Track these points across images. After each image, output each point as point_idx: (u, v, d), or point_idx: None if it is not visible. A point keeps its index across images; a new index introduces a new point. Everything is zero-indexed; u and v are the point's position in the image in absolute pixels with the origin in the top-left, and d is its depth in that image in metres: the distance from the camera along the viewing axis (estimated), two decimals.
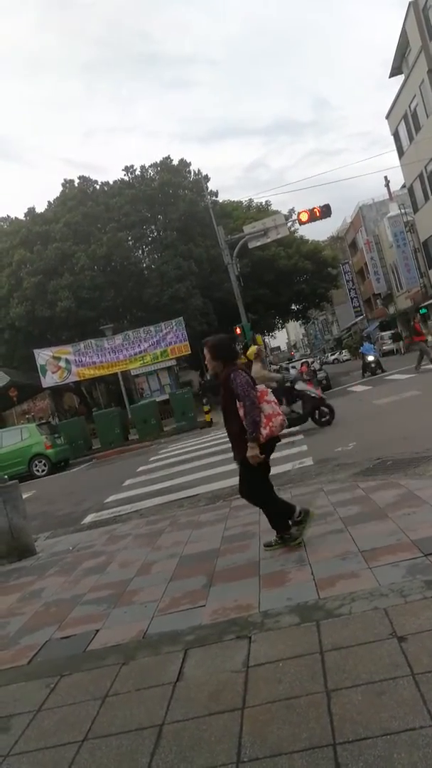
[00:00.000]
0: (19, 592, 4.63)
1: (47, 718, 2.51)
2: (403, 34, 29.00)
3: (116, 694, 2.57)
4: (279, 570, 3.59)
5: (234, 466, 8.57)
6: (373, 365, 22.93)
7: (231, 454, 9.96)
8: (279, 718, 2.10)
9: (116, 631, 3.28)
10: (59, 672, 2.92)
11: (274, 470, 7.54)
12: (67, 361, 22.40)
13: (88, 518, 7.82)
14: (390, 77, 32.76)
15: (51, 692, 2.73)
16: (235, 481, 7.47)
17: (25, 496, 6.74)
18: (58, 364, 22.43)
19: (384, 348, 38.09)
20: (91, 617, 3.61)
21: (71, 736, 2.32)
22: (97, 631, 3.35)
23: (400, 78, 31.75)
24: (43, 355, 22.43)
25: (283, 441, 9.83)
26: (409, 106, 30.60)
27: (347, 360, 54.52)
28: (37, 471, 16.89)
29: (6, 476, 6.90)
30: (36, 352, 22.50)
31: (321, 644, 2.55)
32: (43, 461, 17.02)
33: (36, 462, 17.04)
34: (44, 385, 23.31)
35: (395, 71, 32.17)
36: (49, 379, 22.56)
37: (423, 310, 35.05)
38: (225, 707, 2.26)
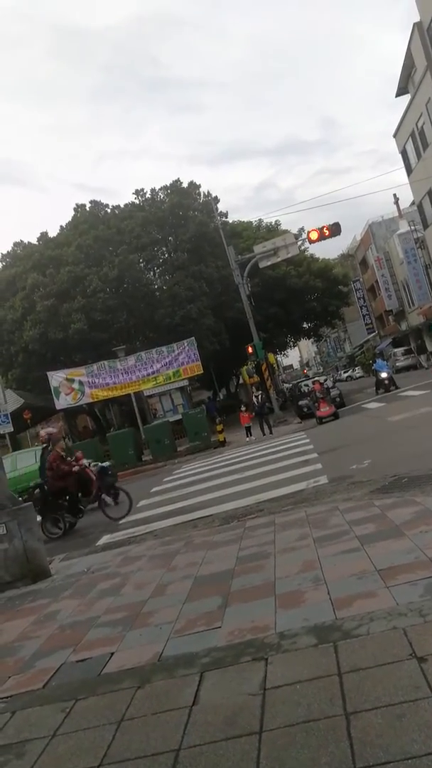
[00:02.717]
0: (33, 615, 4.60)
1: (62, 744, 2.48)
2: (409, 55, 29.39)
3: (132, 718, 2.54)
4: (295, 590, 3.54)
5: (247, 486, 8.57)
6: (386, 382, 22.81)
7: (244, 474, 9.88)
8: (297, 742, 2.06)
9: (131, 654, 3.25)
10: (74, 696, 2.89)
11: (289, 489, 7.57)
12: (81, 383, 22.55)
13: (103, 539, 7.80)
14: (396, 96, 33.16)
15: (66, 717, 2.70)
16: (249, 500, 7.46)
17: (39, 518, 6.75)
18: (72, 386, 22.59)
19: (398, 364, 37.89)
20: (107, 640, 3.58)
21: (87, 762, 2.28)
22: (113, 653, 3.32)
23: (407, 97, 32.09)
24: (56, 378, 22.61)
25: (298, 460, 9.83)
26: (416, 125, 30.87)
27: (360, 377, 54.31)
28: None
29: (20, 498, 6.93)
30: (49, 374, 22.70)
31: (339, 666, 2.50)
32: None
33: None
34: (58, 407, 23.46)
35: (401, 90, 32.54)
36: (62, 401, 22.71)
37: None
38: (242, 731, 2.22)
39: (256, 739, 2.14)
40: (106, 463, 9.69)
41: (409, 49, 29.09)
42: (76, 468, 9.43)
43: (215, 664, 2.84)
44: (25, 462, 17.46)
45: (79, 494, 9.25)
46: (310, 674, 2.49)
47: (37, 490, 9.66)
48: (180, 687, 2.70)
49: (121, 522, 8.77)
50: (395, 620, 2.76)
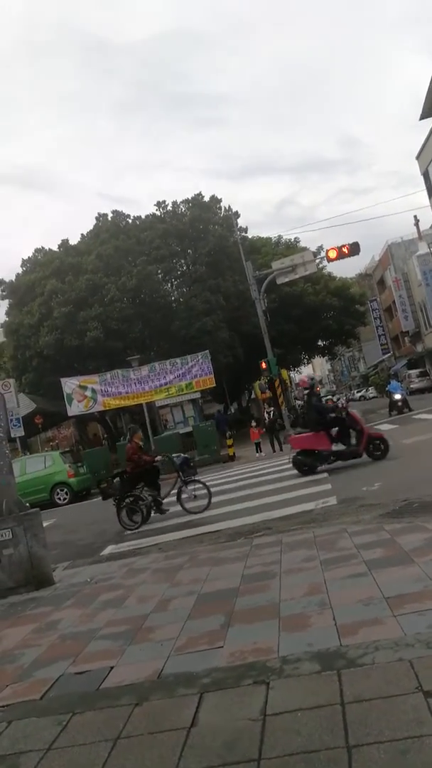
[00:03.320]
0: (35, 623, 4.58)
1: (57, 758, 2.44)
2: None
3: (128, 736, 2.50)
4: (300, 613, 3.49)
5: (255, 503, 8.49)
6: (400, 404, 22.63)
7: (253, 491, 9.78)
8: None
9: (131, 669, 3.21)
10: (72, 709, 2.86)
11: (298, 509, 7.50)
12: (93, 391, 22.60)
13: (108, 549, 7.77)
14: (420, 119, 33.21)
15: (62, 730, 2.67)
16: (257, 518, 7.40)
17: (45, 524, 6.75)
18: (84, 393, 22.63)
19: (412, 386, 37.59)
20: (107, 653, 3.54)
21: None
22: (112, 668, 3.28)
23: (431, 120, 32.15)
24: (69, 384, 22.68)
25: (308, 478, 9.73)
26: None
27: (374, 397, 53.94)
28: (59, 499, 16.93)
29: (28, 504, 6.92)
30: (63, 380, 22.78)
31: (342, 695, 2.44)
32: (65, 490, 17.07)
33: (58, 490, 17.09)
34: (69, 414, 23.51)
35: (426, 113, 32.59)
36: (74, 408, 22.76)
37: None
38: (240, 757, 2.17)
39: (255, 767, 2.09)
40: (187, 455, 9.57)
41: None
42: (159, 458, 9.44)
43: (216, 685, 2.79)
44: (35, 467, 17.52)
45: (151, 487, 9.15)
46: (312, 702, 2.44)
47: (117, 479, 9.49)
48: (179, 707, 2.65)
49: (127, 533, 8.73)
50: (402, 651, 2.70)
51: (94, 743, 2.49)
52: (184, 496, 9.04)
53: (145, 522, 8.95)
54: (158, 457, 9.47)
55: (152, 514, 9.09)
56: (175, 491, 9.22)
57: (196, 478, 9.39)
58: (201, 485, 9.18)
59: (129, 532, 8.73)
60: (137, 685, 2.99)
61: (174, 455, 9.51)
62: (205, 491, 9.06)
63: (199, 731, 2.42)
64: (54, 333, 25.95)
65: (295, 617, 3.43)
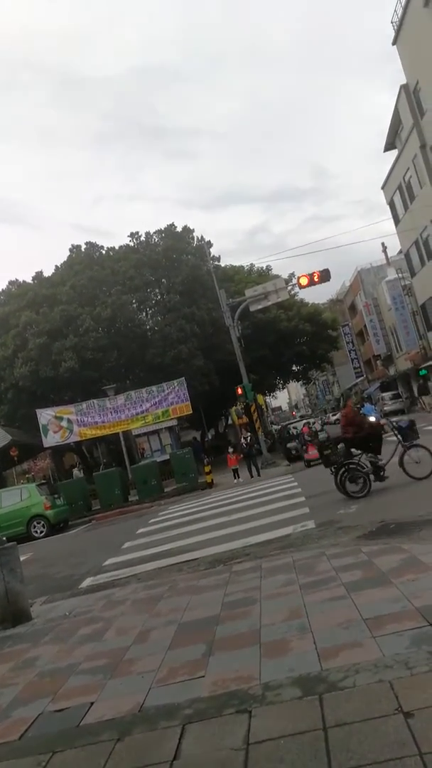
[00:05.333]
0: (12, 661, 4.47)
1: None
2: (396, 114, 30.70)
3: None
4: (281, 638, 3.49)
5: (234, 529, 8.46)
6: None
7: (231, 517, 9.74)
8: None
9: (112, 704, 3.16)
10: (52, 748, 2.80)
11: (276, 534, 7.51)
12: (69, 421, 22.42)
13: (86, 582, 7.64)
14: (385, 151, 34.43)
15: None
16: (236, 544, 7.37)
17: (22, 558, 6.62)
18: (60, 424, 22.44)
19: (386, 408, 38.08)
20: (87, 688, 3.48)
21: None
22: (92, 703, 3.23)
23: (394, 152, 33.36)
24: (45, 415, 22.47)
25: (285, 503, 9.75)
26: (404, 178, 32.00)
27: None
28: (36, 532, 16.59)
29: (4, 538, 6.79)
30: (38, 411, 22.56)
31: (324, 720, 2.45)
32: (42, 522, 16.75)
33: (35, 523, 16.76)
34: (45, 445, 23.24)
35: (389, 146, 33.84)
36: (50, 439, 22.52)
37: (422, 372, 35.36)
38: None
39: None
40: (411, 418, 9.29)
41: (396, 108, 30.42)
42: (383, 421, 9.16)
43: (198, 715, 2.77)
44: (10, 500, 17.17)
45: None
46: (295, 728, 2.44)
47: (341, 445, 9.13)
48: (161, 740, 2.62)
49: (105, 564, 8.61)
50: (381, 672, 2.72)
51: None
52: (407, 460, 8.73)
53: (367, 490, 8.61)
54: (382, 420, 9.25)
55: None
56: (396, 458, 8.88)
57: (419, 443, 8.94)
58: (425, 450, 8.75)
59: (354, 498, 8.47)
60: (118, 719, 2.95)
61: (395, 419, 9.21)
62: (428, 456, 8.65)
63: (182, 764, 2.39)
64: (29, 364, 25.75)
65: (276, 643, 3.43)
